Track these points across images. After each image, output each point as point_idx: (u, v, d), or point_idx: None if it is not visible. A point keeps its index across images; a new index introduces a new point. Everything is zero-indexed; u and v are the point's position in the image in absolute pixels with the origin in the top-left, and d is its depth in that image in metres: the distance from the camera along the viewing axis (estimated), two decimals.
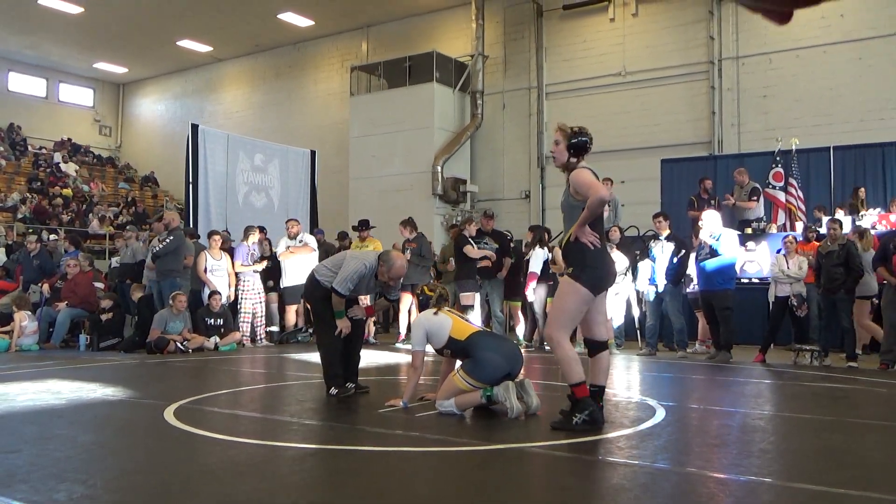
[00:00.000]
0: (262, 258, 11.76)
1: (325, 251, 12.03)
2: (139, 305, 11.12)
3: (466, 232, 11.32)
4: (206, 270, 11.22)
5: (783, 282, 9.79)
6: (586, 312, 4.89)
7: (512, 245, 12.39)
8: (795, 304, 9.68)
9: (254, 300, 11.57)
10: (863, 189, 12.05)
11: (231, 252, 11.89)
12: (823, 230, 11.34)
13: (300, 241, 11.96)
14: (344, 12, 22.06)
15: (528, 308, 11.15)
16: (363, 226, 12.45)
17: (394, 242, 13.47)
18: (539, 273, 10.68)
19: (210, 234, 11.71)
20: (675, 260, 10.12)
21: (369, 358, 9.64)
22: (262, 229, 12.29)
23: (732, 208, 12.39)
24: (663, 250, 10.20)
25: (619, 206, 14.04)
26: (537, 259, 10.75)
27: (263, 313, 11.91)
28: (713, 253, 9.29)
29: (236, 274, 11.53)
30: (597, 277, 4.82)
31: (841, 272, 8.98)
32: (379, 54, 22.64)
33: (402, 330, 11.46)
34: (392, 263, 6.15)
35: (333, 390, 6.12)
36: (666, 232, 10.34)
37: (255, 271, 11.58)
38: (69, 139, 27.58)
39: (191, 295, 11.09)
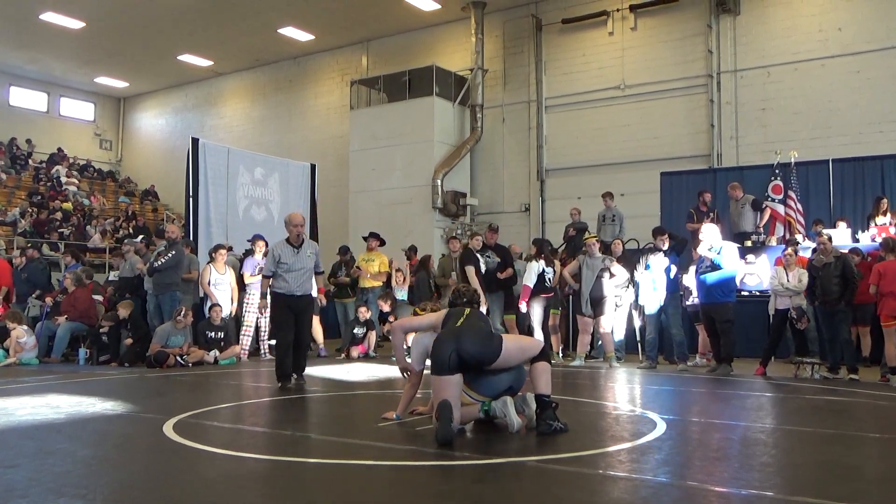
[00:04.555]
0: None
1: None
2: (132, 322, 11.04)
3: (472, 246, 11.33)
4: (209, 284, 11.21)
5: (783, 295, 9.78)
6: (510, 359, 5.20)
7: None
8: (795, 316, 9.66)
9: (257, 314, 11.54)
10: (885, 199, 11.91)
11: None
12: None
13: None
14: (344, 27, 22.17)
15: (520, 321, 11.09)
16: (374, 237, 12.67)
17: (392, 259, 13.55)
18: (532, 286, 10.65)
19: (216, 248, 11.70)
20: (671, 275, 10.14)
21: (370, 371, 9.64)
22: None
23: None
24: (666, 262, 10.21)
25: (623, 220, 14.08)
26: (531, 272, 10.72)
27: (268, 326, 11.89)
28: (714, 266, 9.29)
29: (243, 286, 11.52)
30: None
31: (838, 284, 8.98)
32: (379, 68, 22.74)
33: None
34: (285, 219, 8.20)
35: (279, 383, 7.85)
36: (666, 245, 10.37)
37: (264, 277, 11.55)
38: (59, 149, 27.61)
39: (193, 308, 11.08)
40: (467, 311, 5.41)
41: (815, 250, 9.74)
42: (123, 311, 11.03)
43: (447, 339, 5.05)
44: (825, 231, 10.30)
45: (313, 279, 8.25)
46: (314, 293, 8.59)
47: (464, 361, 4.99)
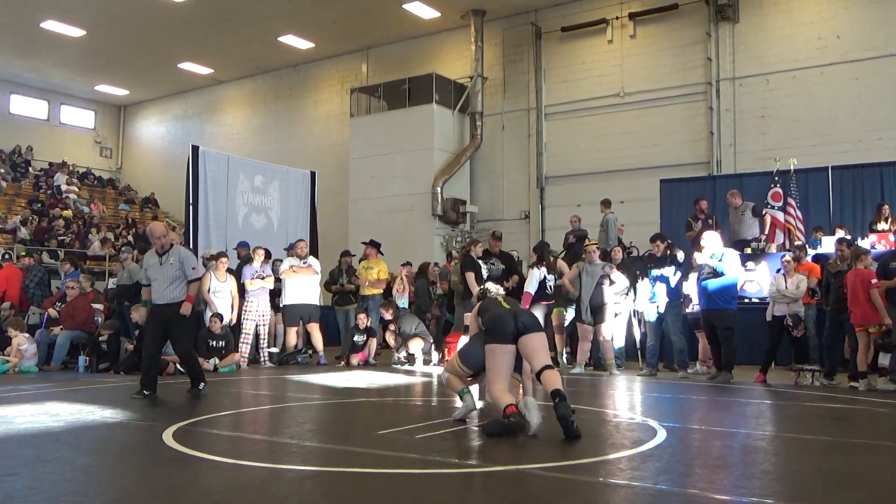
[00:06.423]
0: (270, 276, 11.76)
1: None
2: (142, 328, 10.99)
3: (473, 253, 11.33)
4: (209, 291, 11.20)
5: (780, 301, 9.76)
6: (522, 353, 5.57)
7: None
8: (791, 324, 9.63)
9: (256, 321, 11.55)
10: (887, 206, 11.89)
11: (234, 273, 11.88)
12: (821, 250, 11.34)
13: (305, 263, 11.97)
14: (344, 35, 22.22)
15: None
16: (372, 245, 12.69)
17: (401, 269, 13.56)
18: (534, 293, 10.64)
19: (217, 256, 11.70)
20: (671, 283, 10.13)
21: (369, 379, 9.62)
22: (267, 253, 12.32)
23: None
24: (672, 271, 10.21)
25: (610, 225, 14.15)
26: (532, 279, 10.72)
27: (268, 334, 11.91)
28: (716, 273, 9.27)
29: (242, 294, 11.52)
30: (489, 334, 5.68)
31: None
32: (379, 76, 22.79)
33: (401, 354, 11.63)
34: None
35: (146, 392, 7.58)
36: (660, 252, 10.37)
37: (262, 287, 11.56)
38: (63, 161, 27.62)
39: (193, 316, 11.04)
40: (500, 297, 6.03)
41: (817, 257, 9.70)
42: (137, 315, 10.96)
43: (508, 316, 5.62)
44: (847, 237, 10.26)
45: (182, 287, 7.97)
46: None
47: (519, 332, 5.50)
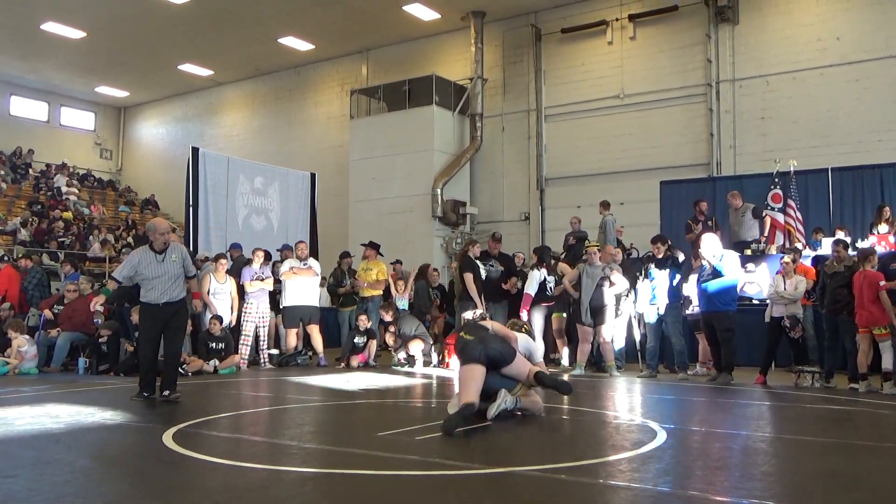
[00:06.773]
0: (269, 278, 11.77)
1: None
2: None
3: (471, 253, 11.32)
4: (209, 293, 11.20)
5: (779, 302, 9.75)
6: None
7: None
8: (789, 325, 9.62)
9: (256, 323, 11.55)
10: (887, 208, 11.85)
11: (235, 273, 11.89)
12: (822, 251, 11.33)
13: (305, 264, 11.97)
14: (344, 36, 22.23)
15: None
16: (371, 247, 12.76)
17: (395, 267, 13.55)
18: (533, 295, 10.65)
19: (217, 258, 11.71)
20: (674, 283, 10.12)
21: (369, 380, 9.62)
22: (267, 254, 12.32)
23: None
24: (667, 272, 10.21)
25: (609, 227, 14.15)
26: (532, 281, 10.72)
27: (268, 336, 11.90)
28: (716, 274, 9.26)
29: (242, 296, 11.52)
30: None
31: (845, 294, 8.93)
32: (378, 78, 22.80)
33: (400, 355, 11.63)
34: (149, 225, 7.84)
35: (145, 394, 7.45)
36: (661, 255, 10.36)
37: (261, 289, 11.57)
38: (63, 162, 27.63)
39: (192, 318, 11.05)
40: (463, 334, 6.33)
41: (817, 258, 9.68)
42: (137, 317, 10.92)
43: (474, 343, 6.05)
44: (846, 238, 10.26)
45: (183, 285, 7.73)
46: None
47: (489, 358, 5.92)
